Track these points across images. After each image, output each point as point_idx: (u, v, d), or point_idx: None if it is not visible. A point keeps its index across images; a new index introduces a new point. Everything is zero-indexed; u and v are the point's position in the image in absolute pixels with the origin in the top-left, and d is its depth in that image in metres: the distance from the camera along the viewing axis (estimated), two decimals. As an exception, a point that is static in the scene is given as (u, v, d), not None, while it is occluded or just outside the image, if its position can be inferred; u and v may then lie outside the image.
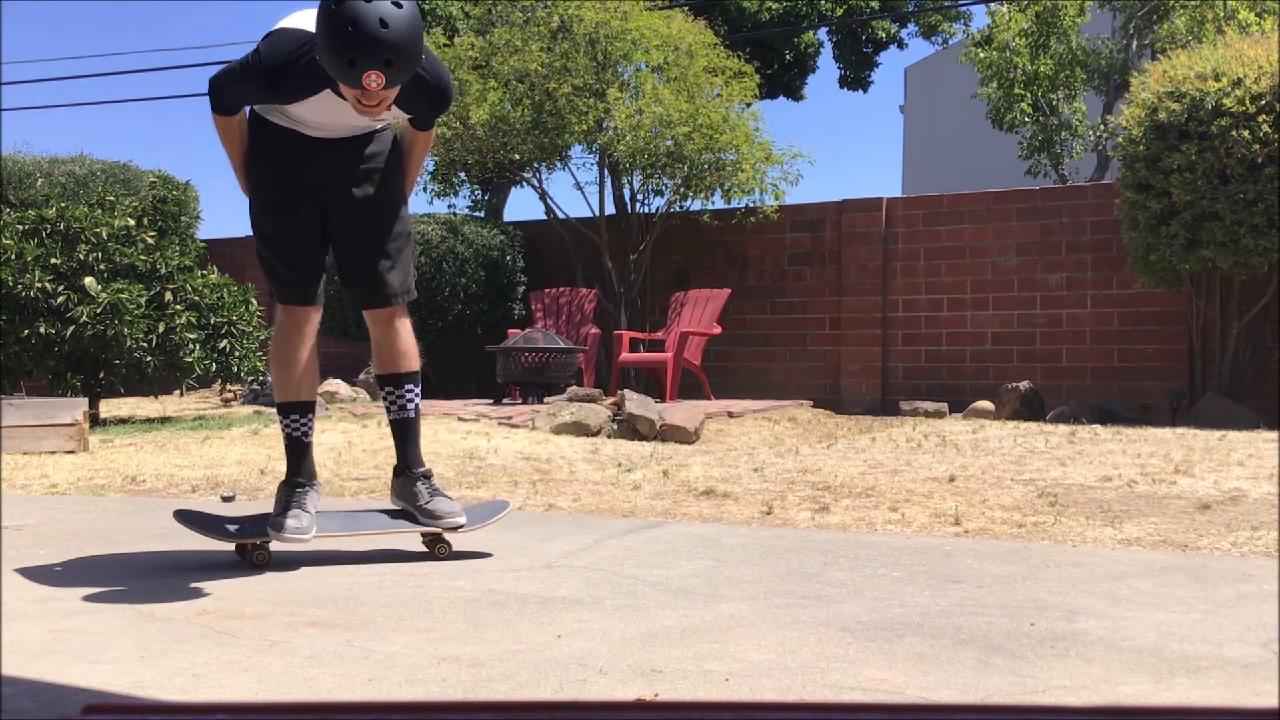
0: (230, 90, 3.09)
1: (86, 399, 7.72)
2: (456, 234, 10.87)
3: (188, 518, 3.28)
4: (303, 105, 3.07)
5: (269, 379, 10.55)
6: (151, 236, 8.88)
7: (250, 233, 3.37)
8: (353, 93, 2.79)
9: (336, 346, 11.91)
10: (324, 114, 3.09)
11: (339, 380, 10.57)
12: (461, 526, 3.27)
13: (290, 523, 3.10)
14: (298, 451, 3.31)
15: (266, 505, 3.43)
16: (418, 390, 3.40)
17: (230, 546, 3.25)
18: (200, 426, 7.93)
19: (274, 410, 3.94)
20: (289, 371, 3.29)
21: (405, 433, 3.39)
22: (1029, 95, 14.38)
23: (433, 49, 3.43)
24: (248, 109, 3.22)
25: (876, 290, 10.50)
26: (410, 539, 3.44)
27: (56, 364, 8.55)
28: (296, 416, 3.31)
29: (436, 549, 3.32)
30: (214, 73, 3.10)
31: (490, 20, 11.37)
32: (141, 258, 8.66)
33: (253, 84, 3.03)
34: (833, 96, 65.37)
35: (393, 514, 3.39)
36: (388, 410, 3.41)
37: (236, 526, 3.23)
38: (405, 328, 3.37)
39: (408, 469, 3.37)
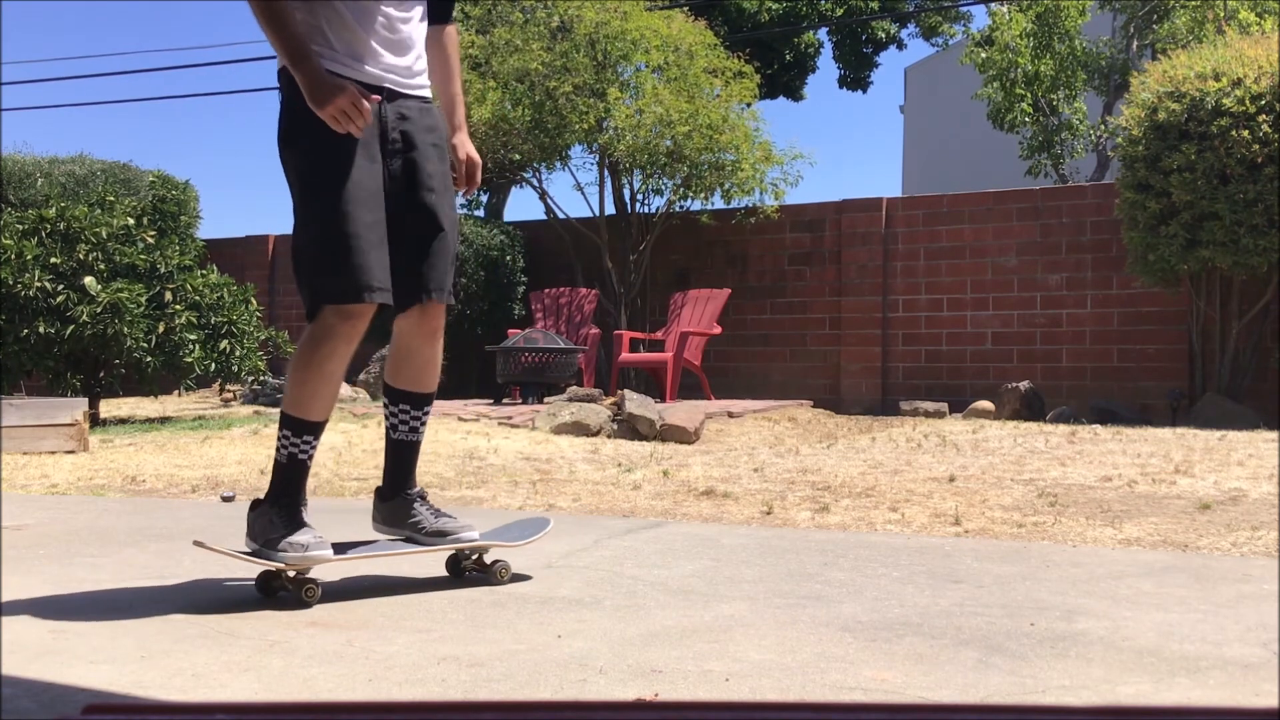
0: None
1: (86, 399, 7.72)
2: (456, 234, 10.86)
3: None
4: None
5: (269, 378, 10.53)
6: (151, 236, 8.89)
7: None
8: None
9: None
10: None
11: (339, 380, 10.54)
12: (475, 540, 2.91)
13: (306, 538, 2.65)
14: (300, 475, 2.78)
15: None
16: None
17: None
18: (200, 426, 7.93)
19: (274, 409, 3.82)
20: (323, 389, 2.75)
21: (409, 455, 2.98)
22: (1029, 95, 14.38)
23: None
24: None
25: (876, 290, 10.51)
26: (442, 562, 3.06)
27: (56, 364, 8.55)
28: (310, 438, 2.77)
29: (495, 573, 2.91)
30: None
31: (490, 20, 11.38)
32: (141, 257, 8.66)
33: None
34: (833, 96, 65.41)
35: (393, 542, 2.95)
36: (394, 428, 2.96)
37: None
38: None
39: (402, 491, 2.95)
